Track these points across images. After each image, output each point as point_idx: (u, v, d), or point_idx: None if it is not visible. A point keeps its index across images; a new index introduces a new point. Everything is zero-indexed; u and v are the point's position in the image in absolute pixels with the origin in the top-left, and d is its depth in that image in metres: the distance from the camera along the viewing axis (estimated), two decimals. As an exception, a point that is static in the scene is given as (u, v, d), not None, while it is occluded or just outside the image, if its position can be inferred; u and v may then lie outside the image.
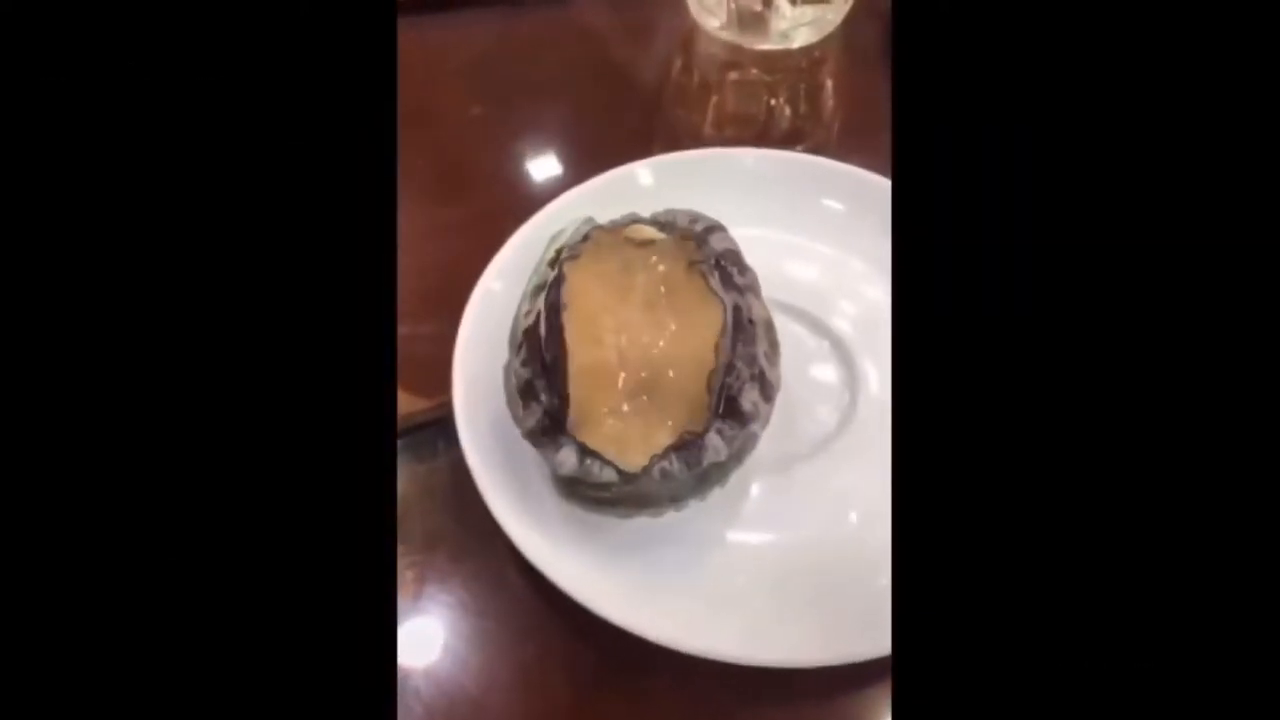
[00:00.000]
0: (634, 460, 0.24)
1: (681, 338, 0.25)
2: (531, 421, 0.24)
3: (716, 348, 0.24)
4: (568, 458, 0.24)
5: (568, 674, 0.26)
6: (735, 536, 0.26)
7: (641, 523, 0.25)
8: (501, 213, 0.37)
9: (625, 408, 0.24)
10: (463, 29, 0.45)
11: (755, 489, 0.27)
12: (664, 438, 0.24)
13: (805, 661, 0.23)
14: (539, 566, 0.25)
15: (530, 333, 0.25)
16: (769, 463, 0.27)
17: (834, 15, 0.42)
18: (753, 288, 0.27)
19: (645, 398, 0.24)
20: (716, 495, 0.26)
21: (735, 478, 0.26)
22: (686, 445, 0.24)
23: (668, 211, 0.28)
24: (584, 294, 0.25)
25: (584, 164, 0.34)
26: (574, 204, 0.30)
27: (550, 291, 0.25)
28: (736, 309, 0.25)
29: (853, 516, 0.27)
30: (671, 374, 0.24)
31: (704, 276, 0.25)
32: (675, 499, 0.25)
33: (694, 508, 0.25)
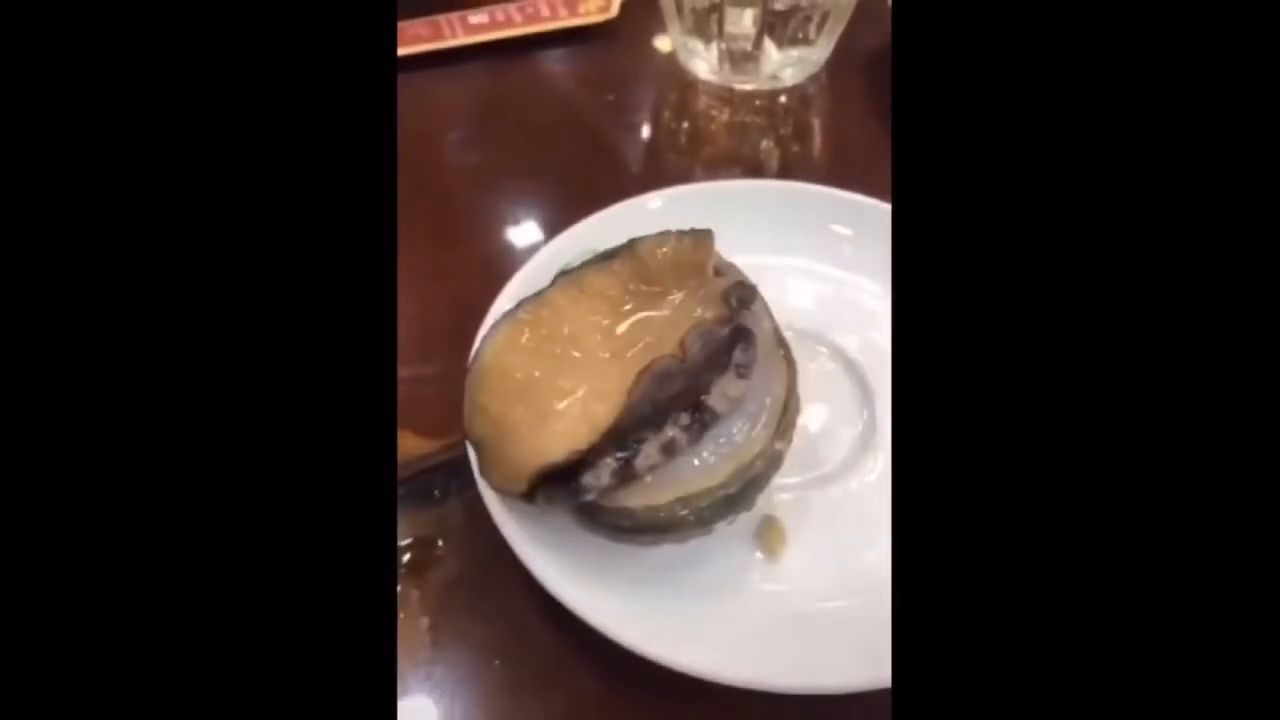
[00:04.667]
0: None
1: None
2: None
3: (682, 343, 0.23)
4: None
5: (603, 717, 0.25)
6: (764, 561, 0.26)
7: (668, 550, 0.25)
8: (502, 255, 0.38)
9: None
10: (456, 82, 0.46)
11: (782, 512, 0.27)
12: None
13: (856, 686, 0.22)
14: (565, 602, 0.24)
15: None
16: (795, 486, 0.27)
17: (818, 56, 0.43)
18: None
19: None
20: (743, 519, 0.25)
21: (761, 501, 0.25)
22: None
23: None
24: None
25: (582, 207, 0.34)
26: (582, 236, 0.30)
27: None
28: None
29: (883, 534, 0.26)
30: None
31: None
32: (702, 524, 0.24)
33: (721, 532, 0.25)
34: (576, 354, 0.25)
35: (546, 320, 0.25)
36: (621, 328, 0.25)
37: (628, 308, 0.26)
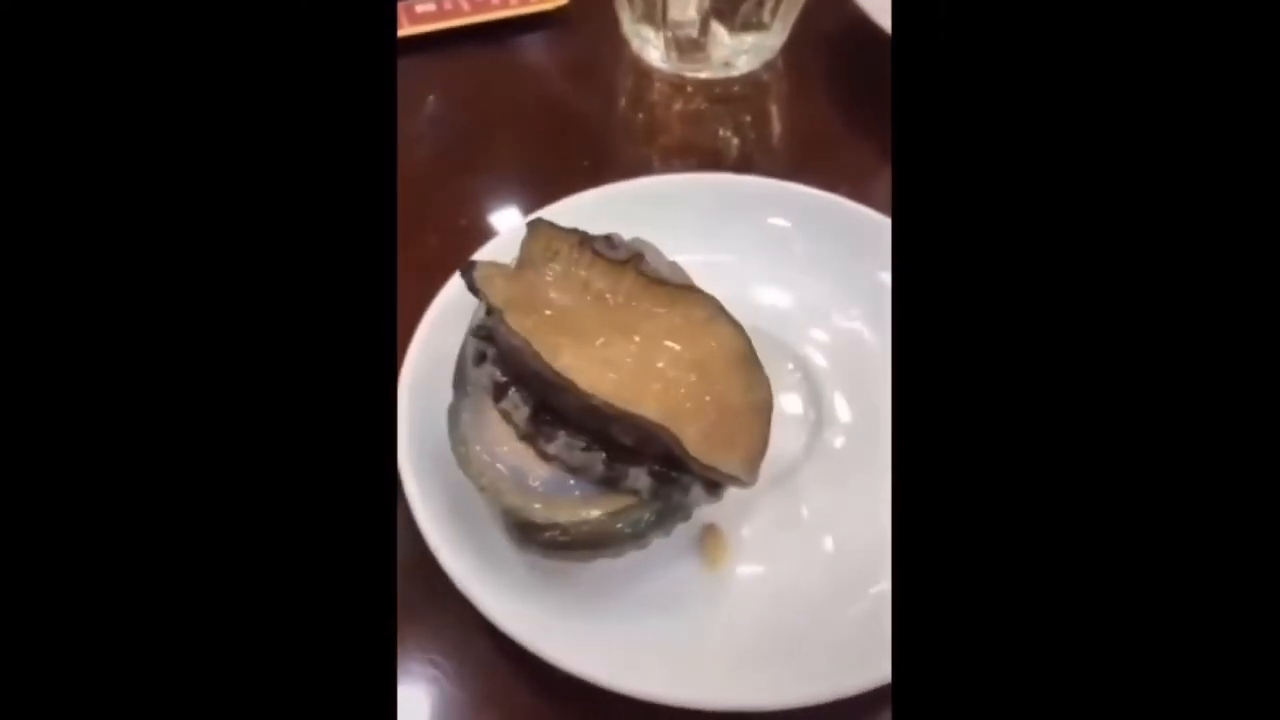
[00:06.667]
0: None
1: (686, 337, 0.24)
2: (644, 483, 0.23)
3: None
4: (699, 494, 0.23)
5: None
6: (705, 573, 0.25)
7: (603, 565, 0.24)
8: (454, 253, 0.36)
9: (716, 428, 0.23)
10: (403, 75, 0.44)
11: (721, 520, 0.26)
12: (761, 438, 0.23)
13: (796, 701, 0.22)
14: (497, 622, 0.23)
15: (555, 420, 0.23)
16: (734, 492, 0.26)
17: (773, 41, 0.42)
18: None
19: (709, 400, 0.23)
20: (680, 530, 0.24)
21: (700, 509, 0.24)
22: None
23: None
24: (570, 361, 0.23)
25: (534, 202, 0.33)
26: (515, 239, 0.28)
27: (536, 381, 0.23)
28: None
29: (828, 543, 0.26)
30: (713, 374, 0.24)
31: (639, 273, 0.25)
32: (637, 537, 0.23)
33: (657, 545, 0.24)
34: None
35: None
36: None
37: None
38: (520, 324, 0.24)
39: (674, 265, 0.27)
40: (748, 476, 0.23)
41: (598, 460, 0.22)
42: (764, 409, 0.23)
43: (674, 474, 0.22)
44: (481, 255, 0.30)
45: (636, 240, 0.27)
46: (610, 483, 0.22)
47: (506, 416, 0.23)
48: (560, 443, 0.23)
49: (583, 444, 0.22)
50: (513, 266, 0.27)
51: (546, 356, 0.22)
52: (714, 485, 0.23)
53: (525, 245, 0.27)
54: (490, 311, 0.24)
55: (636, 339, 0.24)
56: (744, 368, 0.24)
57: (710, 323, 0.24)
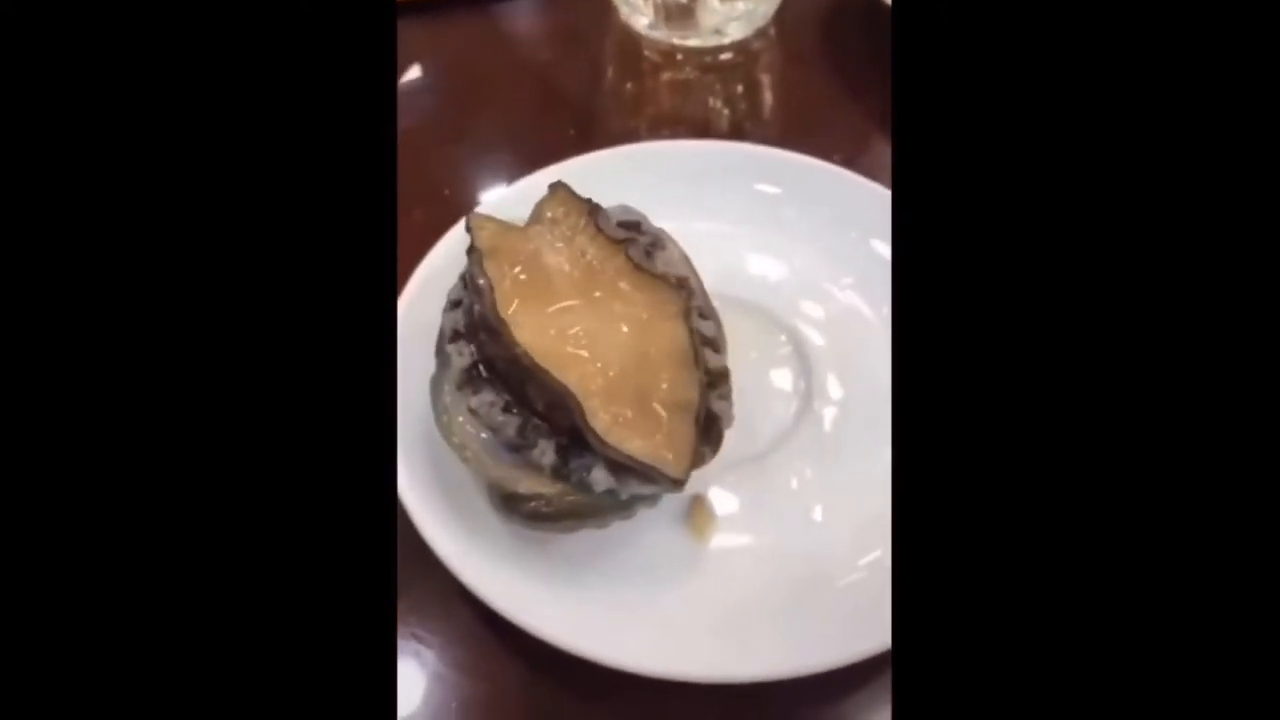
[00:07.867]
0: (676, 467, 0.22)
1: (640, 326, 0.23)
2: (549, 457, 0.22)
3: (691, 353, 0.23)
4: (601, 477, 0.22)
5: (525, 711, 0.24)
6: (691, 544, 0.25)
7: (588, 535, 0.23)
8: (437, 224, 0.36)
9: (629, 413, 0.22)
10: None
11: (711, 490, 0.25)
12: (684, 437, 0.22)
13: (781, 674, 0.21)
14: (480, 594, 0.23)
15: (489, 376, 0.23)
16: (724, 461, 0.26)
17: (765, 8, 0.41)
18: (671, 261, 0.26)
19: (643, 397, 0.22)
20: (666, 501, 0.24)
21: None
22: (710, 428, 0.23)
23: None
24: (521, 314, 0.23)
25: (519, 173, 0.32)
26: (499, 207, 0.28)
27: (481, 326, 0.23)
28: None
29: (817, 514, 0.25)
30: (649, 366, 0.23)
31: (627, 257, 0.24)
32: (623, 507, 0.23)
33: (642, 516, 0.24)
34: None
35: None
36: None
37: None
38: (496, 271, 0.23)
39: (685, 259, 0.26)
40: (674, 472, 0.22)
41: (512, 424, 0.22)
42: (686, 409, 0.22)
43: (581, 453, 0.22)
44: (484, 209, 0.29)
45: (658, 229, 0.27)
46: (519, 450, 0.22)
47: (447, 360, 0.23)
48: (483, 398, 0.23)
49: (503, 405, 0.22)
50: (521, 224, 0.26)
51: (502, 304, 0.22)
52: (622, 470, 0.22)
53: (539, 205, 0.26)
54: (471, 251, 0.24)
55: (599, 316, 0.23)
56: (680, 368, 0.23)
57: (672, 319, 0.23)
